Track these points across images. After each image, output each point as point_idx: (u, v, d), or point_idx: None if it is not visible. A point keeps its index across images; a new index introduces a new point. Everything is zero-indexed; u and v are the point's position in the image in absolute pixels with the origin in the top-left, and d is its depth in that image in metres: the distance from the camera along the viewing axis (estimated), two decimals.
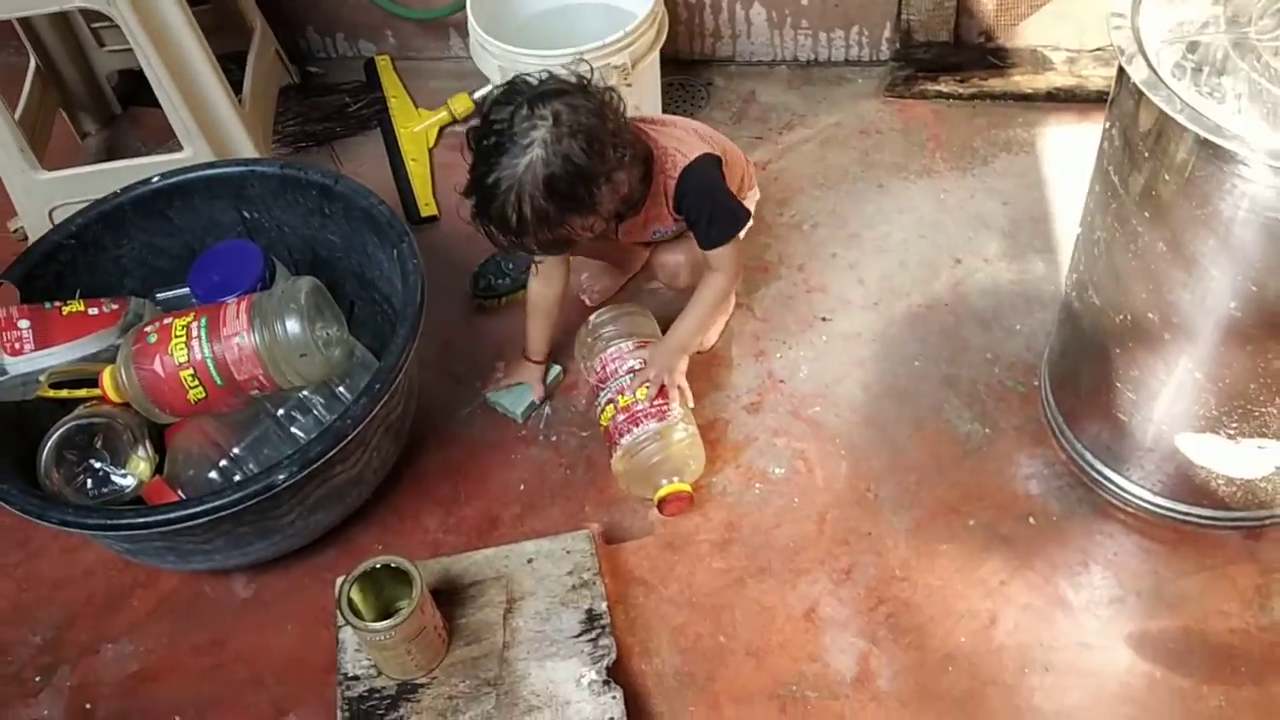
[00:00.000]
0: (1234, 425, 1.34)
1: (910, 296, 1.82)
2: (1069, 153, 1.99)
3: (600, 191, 1.39)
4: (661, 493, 1.55)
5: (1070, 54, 2.07)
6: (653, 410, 1.56)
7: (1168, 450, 1.43)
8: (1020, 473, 1.60)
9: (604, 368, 1.65)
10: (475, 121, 1.42)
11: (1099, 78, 2.04)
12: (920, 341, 1.76)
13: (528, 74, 1.41)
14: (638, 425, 1.56)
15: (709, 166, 1.54)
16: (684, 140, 1.54)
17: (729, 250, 1.56)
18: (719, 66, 2.23)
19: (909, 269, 1.86)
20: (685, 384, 1.60)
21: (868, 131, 2.08)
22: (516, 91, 1.38)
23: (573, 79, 1.41)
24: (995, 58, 2.09)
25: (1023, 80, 2.07)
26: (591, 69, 1.46)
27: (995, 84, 2.07)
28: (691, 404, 1.61)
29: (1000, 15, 2.05)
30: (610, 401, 1.61)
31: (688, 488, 1.56)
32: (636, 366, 1.61)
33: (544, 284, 1.67)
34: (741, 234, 1.56)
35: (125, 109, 2.32)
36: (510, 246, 1.44)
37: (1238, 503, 1.46)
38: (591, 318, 1.69)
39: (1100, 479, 1.55)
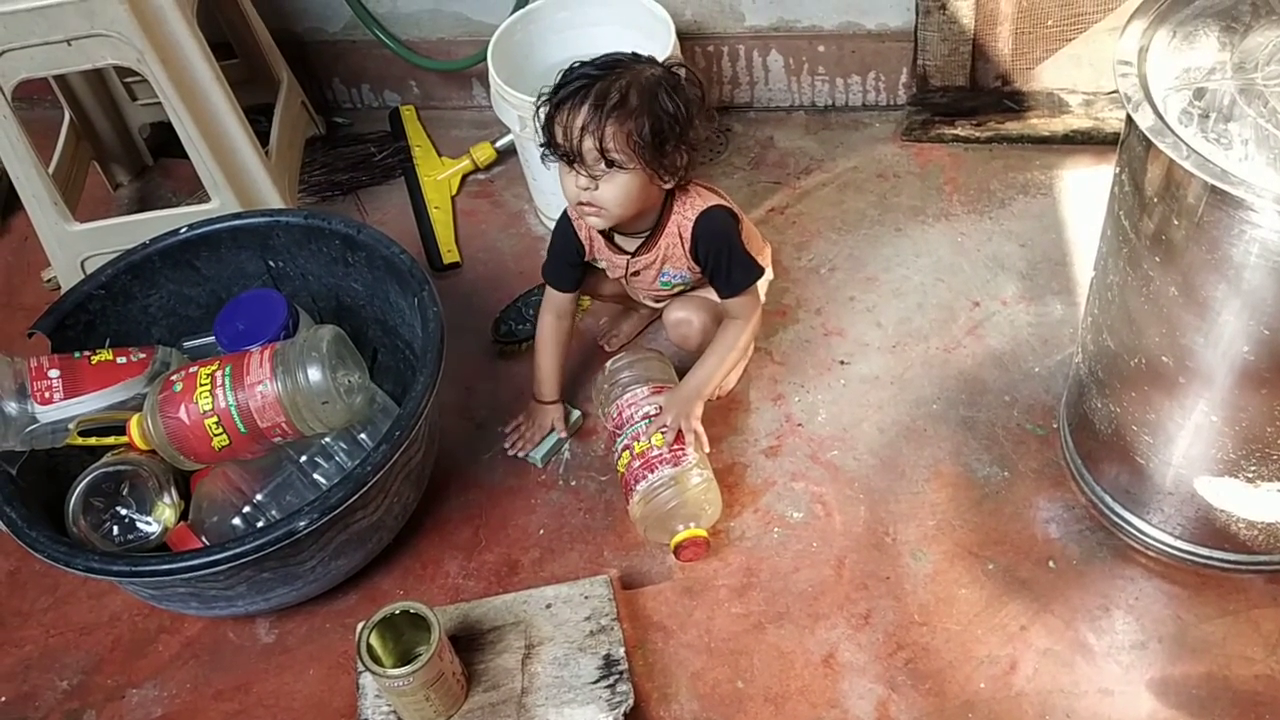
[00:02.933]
0: (1253, 468, 1.33)
1: (928, 340, 1.82)
2: (1086, 195, 2.00)
3: (689, 131, 1.46)
4: (678, 539, 1.55)
5: (1087, 96, 2.08)
6: (668, 456, 1.57)
7: (1187, 493, 1.43)
8: (1039, 516, 1.59)
9: (620, 414, 1.66)
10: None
11: (1115, 120, 2.05)
12: (938, 384, 1.76)
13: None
14: (652, 471, 1.57)
15: (726, 215, 1.58)
16: (701, 191, 1.57)
17: (749, 299, 1.60)
18: (737, 113, 2.26)
19: (927, 312, 1.86)
20: (701, 429, 1.61)
21: (885, 175, 2.10)
22: (618, 58, 1.48)
23: None
24: (1011, 101, 2.10)
25: (1039, 123, 2.08)
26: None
27: (1012, 127, 2.08)
28: (707, 449, 1.62)
29: (1016, 59, 2.07)
30: (626, 448, 1.62)
31: (704, 533, 1.56)
32: (652, 412, 1.62)
33: (555, 316, 1.70)
34: (762, 287, 1.58)
35: (156, 160, 2.37)
36: (574, 139, 1.44)
37: (1260, 546, 1.45)
38: (608, 364, 1.71)
39: (1120, 522, 1.54)
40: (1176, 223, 1.19)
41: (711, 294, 1.66)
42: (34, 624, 1.67)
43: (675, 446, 1.58)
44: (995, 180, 2.05)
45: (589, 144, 1.43)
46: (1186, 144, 1.13)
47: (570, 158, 1.46)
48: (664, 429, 1.58)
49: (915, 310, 1.87)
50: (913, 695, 1.43)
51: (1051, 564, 1.54)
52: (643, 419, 1.62)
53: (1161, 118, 1.16)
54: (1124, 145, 1.28)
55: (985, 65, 2.09)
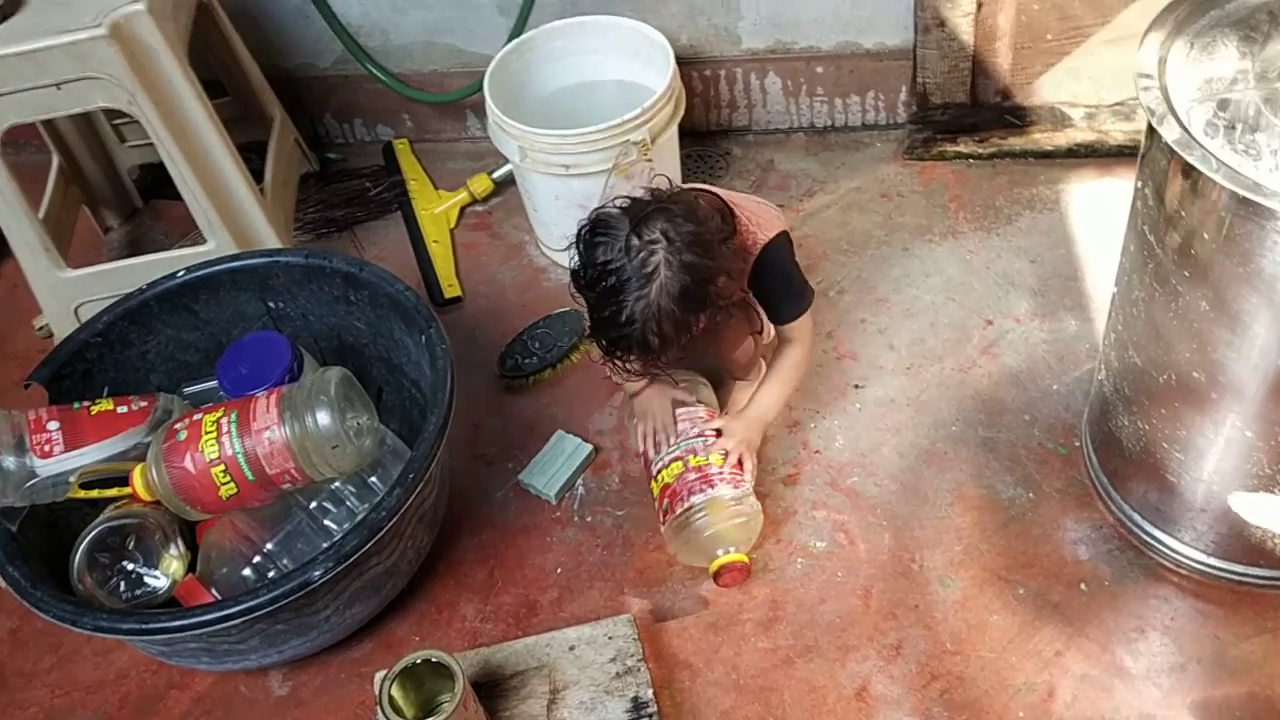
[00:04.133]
0: None
1: (943, 360, 1.80)
2: (1094, 208, 1.98)
3: (724, 284, 1.42)
4: (720, 562, 1.51)
5: (1089, 109, 2.07)
6: (728, 477, 1.54)
7: (1220, 510, 1.40)
8: (1068, 537, 1.56)
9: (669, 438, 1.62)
10: (576, 267, 1.42)
11: (1119, 132, 2.03)
12: (956, 405, 1.73)
13: (605, 206, 1.42)
14: (712, 487, 1.53)
15: (785, 244, 1.55)
16: (757, 213, 1.54)
17: (805, 321, 1.59)
18: (736, 136, 2.24)
19: (939, 332, 1.84)
20: (754, 460, 1.60)
21: (889, 195, 2.08)
22: (610, 226, 1.39)
23: (648, 194, 1.43)
24: (1013, 116, 2.09)
25: (1042, 138, 2.06)
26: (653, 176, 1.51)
27: (1015, 142, 2.07)
28: (752, 480, 1.59)
29: (1016, 74, 2.05)
30: (678, 459, 1.57)
31: (746, 559, 1.52)
32: (709, 431, 1.59)
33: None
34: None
35: (147, 202, 2.33)
36: (645, 368, 1.47)
37: None
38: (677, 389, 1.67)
39: (1151, 541, 1.51)
40: (1206, 236, 1.16)
41: None
42: (38, 684, 1.62)
43: (735, 470, 1.55)
44: (1000, 196, 2.03)
45: (668, 361, 1.45)
46: (1215, 156, 1.11)
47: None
48: (726, 452, 1.56)
49: (928, 330, 1.84)
50: None
51: (1083, 586, 1.51)
52: (697, 435, 1.59)
53: (1187, 130, 1.14)
54: (1145, 159, 1.26)
55: (985, 81, 2.07)
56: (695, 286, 1.37)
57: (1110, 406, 1.49)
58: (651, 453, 1.63)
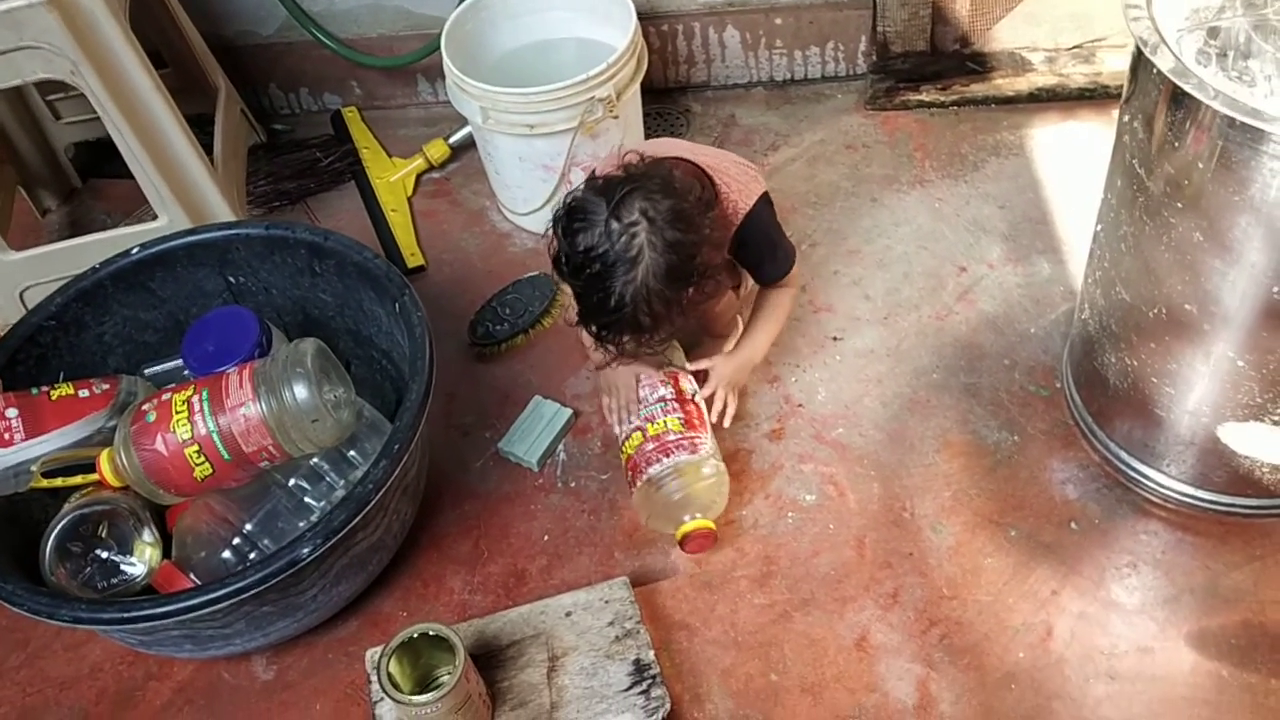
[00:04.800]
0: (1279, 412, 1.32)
1: (919, 308, 1.79)
2: (1058, 151, 1.98)
3: (709, 255, 1.39)
4: (685, 529, 1.49)
5: (1048, 53, 2.07)
6: (684, 442, 1.51)
7: (1208, 442, 1.41)
8: (1055, 478, 1.56)
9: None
10: (556, 251, 1.38)
11: (1080, 75, 2.04)
12: (935, 353, 1.73)
13: (579, 189, 1.38)
14: (668, 456, 1.50)
15: (766, 208, 1.52)
16: (736, 177, 1.51)
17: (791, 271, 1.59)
18: (695, 92, 2.21)
19: (914, 281, 1.83)
20: (735, 402, 1.59)
21: (854, 146, 2.06)
22: (587, 211, 1.35)
23: (621, 171, 1.38)
24: (974, 63, 2.08)
25: (1004, 83, 2.06)
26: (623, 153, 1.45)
27: (977, 89, 2.06)
28: (730, 421, 1.60)
29: (975, 20, 2.04)
30: (638, 429, 1.55)
31: (712, 525, 1.50)
32: (668, 396, 1.56)
33: None
34: None
35: (85, 181, 2.24)
36: (639, 348, 1.44)
37: None
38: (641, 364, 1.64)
39: (1138, 477, 1.52)
40: (1200, 166, 1.16)
41: None
42: (7, 683, 1.55)
43: (691, 433, 1.52)
44: (965, 143, 2.03)
45: (662, 337, 1.43)
46: (1211, 84, 1.10)
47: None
48: (711, 396, 1.57)
49: (902, 280, 1.83)
50: (952, 672, 1.39)
51: (1074, 525, 1.51)
52: (657, 401, 1.56)
53: (1179, 59, 1.14)
54: (1134, 92, 1.25)
55: (945, 29, 2.06)
56: (681, 263, 1.35)
57: (1095, 345, 1.49)
58: (616, 428, 1.61)
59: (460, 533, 1.62)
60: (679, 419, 1.52)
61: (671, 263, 1.33)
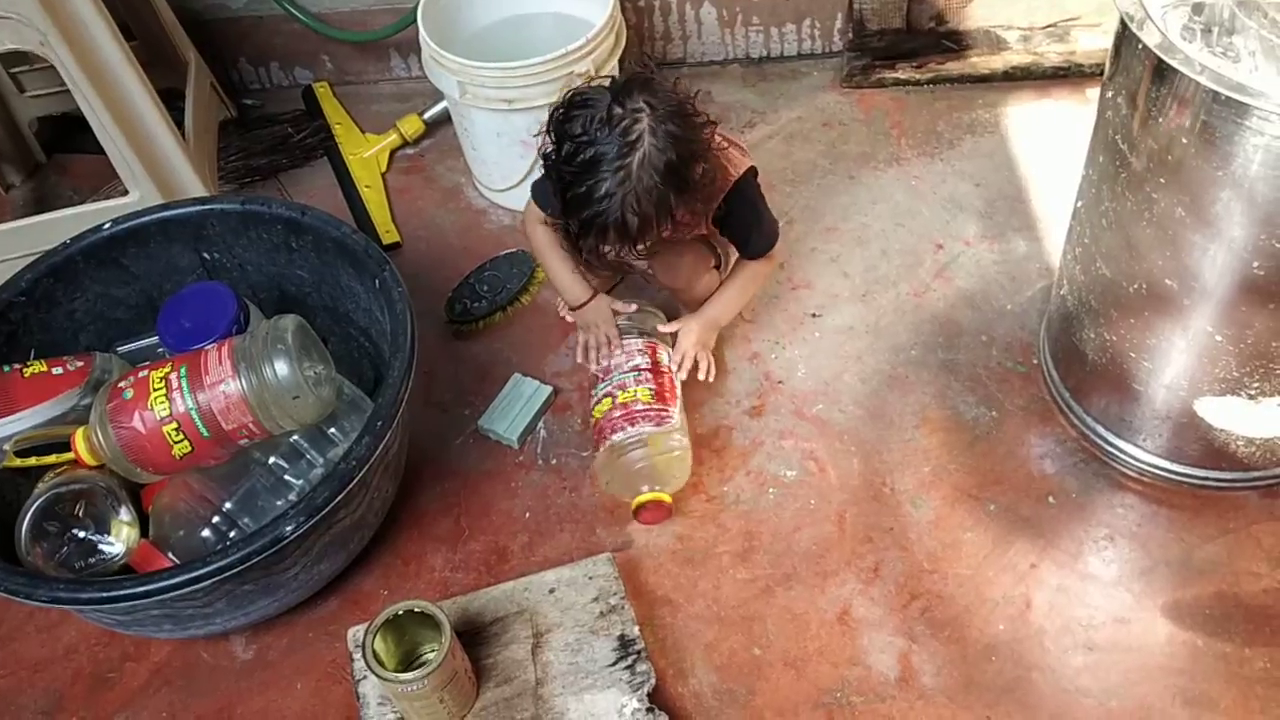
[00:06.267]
0: (1255, 385, 1.33)
1: (897, 286, 1.80)
2: (1033, 129, 2.00)
3: (706, 168, 1.36)
4: (641, 499, 1.49)
5: (1023, 32, 2.08)
6: (650, 413, 1.51)
7: (1184, 416, 1.43)
8: (1033, 453, 1.58)
9: (611, 358, 1.60)
10: (550, 146, 1.36)
11: (1054, 54, 2.05)
12: (913, 330, 1.74)
13: (580, 87, 1.37)
14: (633, 425, 1.50)
15: (753, 180, 1.52)
16: (726, 150, 1.49)
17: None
18: (670, 69, 2.20)
19: (891, 258, 1.84)
20: (713, 360, 1.60)
21: (830, 124, 2.06)
22: (589, 98, 1.33)
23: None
24: (950, 41, 2.09)
25: (979, 61, 2.07)
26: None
27: (952, 67, 2.07)
28: (712, 377, 1.60)
29: None
30: (609, 395, 1.55)
31: (668, 498, 1.50)
32: (644, 365, 1.56)
33: (545, 224, 1.59)
34: None
35: (50, 157, 2.19)
36: (616, 257, 1.39)
37: (1256, 462, 1.46)
38: (620, 303, 1.64)
39: (1114, 451, 1.54)
40: (1184, 141, 1.17)
41: None
42: None
43: (660, 405, 1.52)
44: (941, 121, 2.03)
45: (640, 252, 1.39)
46: (1196, 60, 1.11)
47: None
48: (682, 356, 1.57)
49: (880, 257, 1.84)
50: (933, 644, 1.41)
51: (1051, 499, 1.53)
52: (631, 370, 1.56)
53: (1165, 35, 1.14)
54: (1117, 69, 1.26)
55: (920, 7, 2.07)
56: (678, 162, 1.32)
57: (1073, 321, 1.51)
58: (593, 365, 1.61)
59: (441, 510, 1.61)
60: (650, 390, 1.52)
61: (669, 160, 1.31)
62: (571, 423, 1.69)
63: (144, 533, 1.44)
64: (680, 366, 1.59)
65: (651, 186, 1.31)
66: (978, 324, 1.73)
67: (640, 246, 1.37)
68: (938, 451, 1.59)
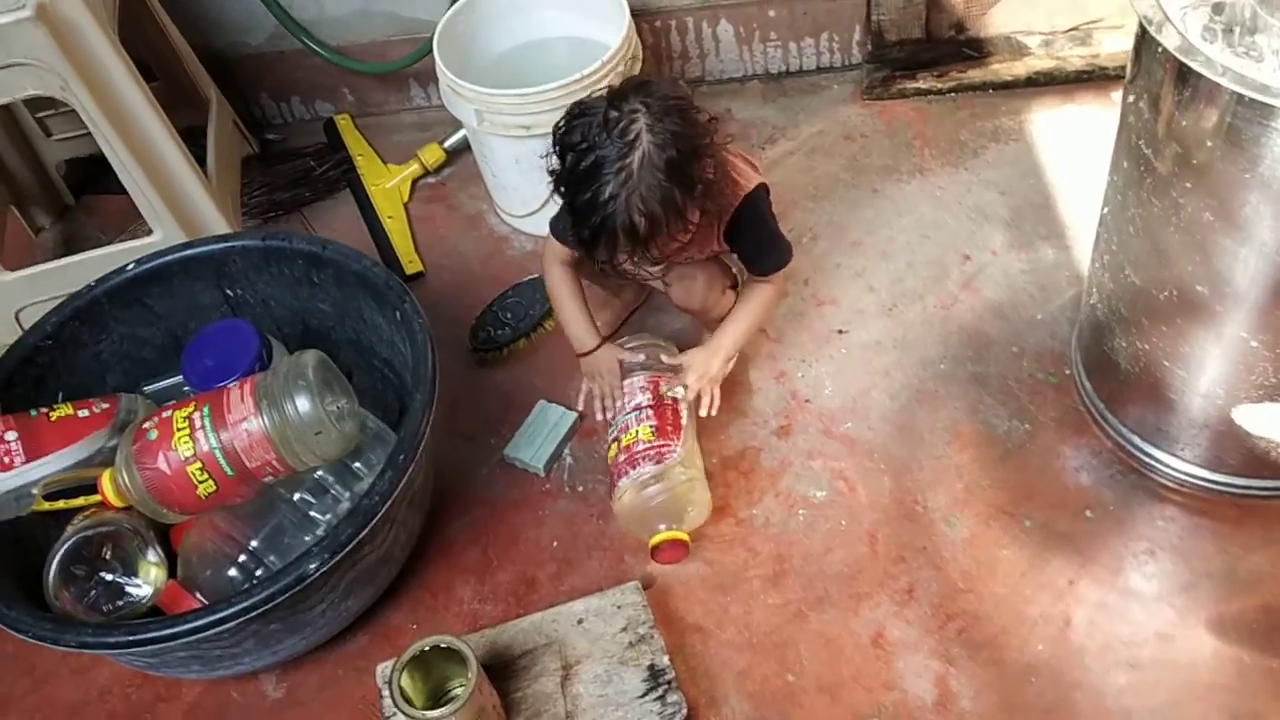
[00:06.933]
0: None
1: (924, 298, 1.77)
2: (1058, 135, 1.96)
3: (708, 164, 1.34)
4: (655, 539, 1.47)
5: (1045, 37, 2.05)
6: (651, 452, 1.49)
7: (1222, 424, 1.39)
8: (1068, 465, 1.54)
9: (615, 406, 1.59)
10: (553, 161, 1.36)
11: (1077, 57, 2.01)
12: (942, 343, 1.71)
13: (579, 99, 1.37)
14: (634, 467, 1.49)
15: (765, 196, 1.50)
16: (735, 163, 1.48)
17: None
18: (690, 88, 2.16)
19: (918, 270, 1.81)
20: (718, 393, 1.56)
21: (852, 137, 2.04)
22: (587, 107, 1.33)
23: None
24: (970, 49, 2.06)
25: (1001, 68, 2.04)
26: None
27: (974, 75, 2.04)
28: (715, 411, 1.56)
29: (970, 5, 2.02)
30: (615, 439, 1.54)
31: (684, 536, 1.47)
32: (645, 403, 1.54)
33: (564, 265, 1.59)
34: None
35: (78, 198, 2.22)
36: (633, 267, 1.38)
37: None
38: (627, 351, 1.63)
39: (1152, 462, 1.50)
40: (1209, 144, 1.14)
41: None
42: (14, 711, 1.53)
43: (661, 441, 1.50)
44: (964, 130, 2.00)
45: (653, 256, 1.36)
46: (1218, 61, 1.08)
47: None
48: (686, 388, 1.54)
49: (906, 270, 1.81)
50: (971, 667, 1.38)
51: (1088, 513, 1.49)
52: (633, 409, 1.54)
53: (1185, 37, 1.12)
54: (1138, 72, 1.23)
55: (939, 15, 2.04)
56: (681, 158, 1.29)
57: (1104, 330, 1.47)
58: (599, 415, 1.60)
59: (468, 541, 1.60)
60: (650, 427, 1.51)
61: (670, 156, 1.28)
62: (598, 447, 1.67)
63: (173, 572, 1.44)
64: (685, 400, 1.55)
65: (655, 184, 1.28)
66: (1007, 335, 1.70)
67: (654, 251, 1.34)
68: (970, 467, 1.56)
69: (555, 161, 1.37)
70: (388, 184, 2.09)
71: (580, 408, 1.64)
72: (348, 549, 1.28)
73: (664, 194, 1.29)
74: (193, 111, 2.05)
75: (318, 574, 1.26)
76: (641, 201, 1.29)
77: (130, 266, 1.62)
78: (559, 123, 1.37)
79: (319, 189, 2.13)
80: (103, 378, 1.64)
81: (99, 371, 1.64)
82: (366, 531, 1.30)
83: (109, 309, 1.61)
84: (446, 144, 2.10)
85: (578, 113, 1.35)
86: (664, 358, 1.61)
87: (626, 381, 1.59)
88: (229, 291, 1.67)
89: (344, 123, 2.24)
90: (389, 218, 2.04)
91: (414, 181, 2.11)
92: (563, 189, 1.36)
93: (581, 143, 1.31)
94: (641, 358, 1.61)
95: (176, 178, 1.77)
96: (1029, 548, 1.47)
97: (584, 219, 1.33)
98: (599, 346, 1.61)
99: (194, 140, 1.98)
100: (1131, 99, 1.26)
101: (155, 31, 1.95)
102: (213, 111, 2.02)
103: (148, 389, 1.63)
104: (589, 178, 1.30)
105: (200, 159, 1.90)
